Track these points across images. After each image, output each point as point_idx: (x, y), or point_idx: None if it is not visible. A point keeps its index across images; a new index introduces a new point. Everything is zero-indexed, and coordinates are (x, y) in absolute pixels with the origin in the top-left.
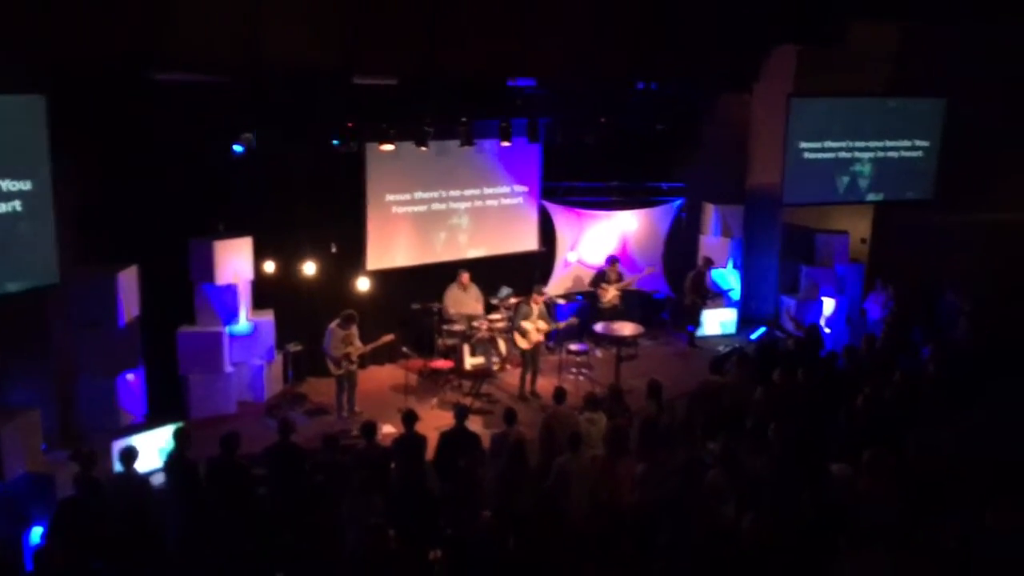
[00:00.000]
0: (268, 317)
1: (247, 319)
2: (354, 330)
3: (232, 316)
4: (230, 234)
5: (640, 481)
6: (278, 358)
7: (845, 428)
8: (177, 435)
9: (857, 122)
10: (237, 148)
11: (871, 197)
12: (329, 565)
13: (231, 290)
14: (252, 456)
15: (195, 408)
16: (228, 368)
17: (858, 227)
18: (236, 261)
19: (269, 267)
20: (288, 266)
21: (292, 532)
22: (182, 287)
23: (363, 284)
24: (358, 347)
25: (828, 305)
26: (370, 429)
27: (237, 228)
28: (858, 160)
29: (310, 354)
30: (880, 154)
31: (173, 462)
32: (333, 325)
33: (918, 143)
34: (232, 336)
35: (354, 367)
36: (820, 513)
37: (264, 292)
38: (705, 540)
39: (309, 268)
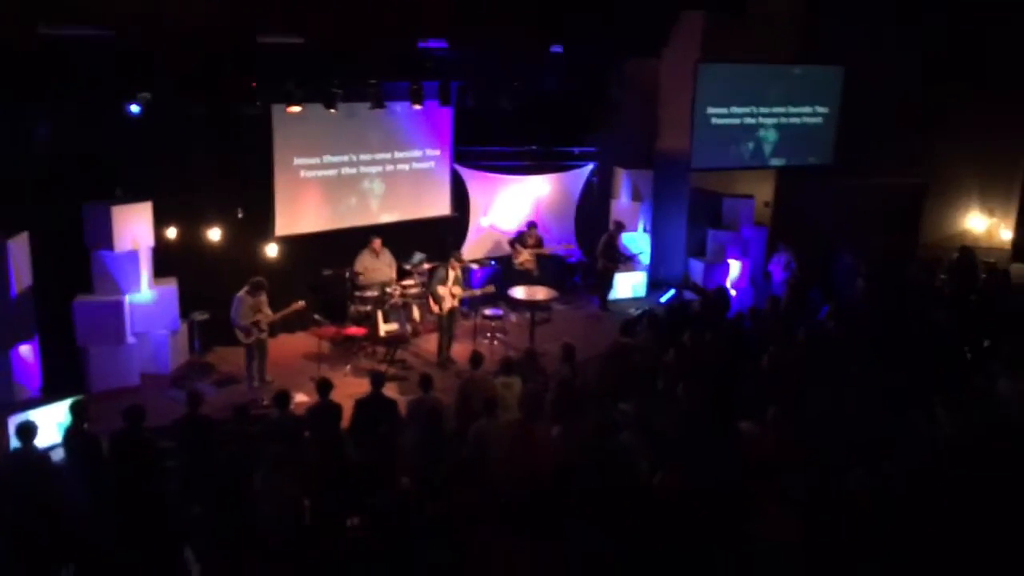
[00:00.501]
0: (171, 285)
1: (149, 287)
2: (263, 297)
3: (133, 284)
4: (128, 199)
5: (556, 443)
6: (183, 328)
7: (752, 387)
8: (74, 408)
9: (762, 88)
10: (134, 108)
11: (774, 162)
12: (242, 538)
13: (131, 257)
14: (159, 429)
15: (95, 381)
16: (130, 339)
17: (762, 191)
18: (135, 227)
19: (171, 233)
20: (192, 232)
21: (202, 505)
22: (77, 255)
23: (272, 250)
24: (268, 315)
25: (734, 268)
26: (283, 398)
27: (136, 192)
28: (763, 126)
29: (217, 323)
30: (783, 120)
31: (71, 436)
32: (241, 293)
33: (819, 109)
34: (133, 305)
35: (264, 335)
36: (730, 470)
37: (167, 259)
38: (619, 500)
39: (214, 234)
